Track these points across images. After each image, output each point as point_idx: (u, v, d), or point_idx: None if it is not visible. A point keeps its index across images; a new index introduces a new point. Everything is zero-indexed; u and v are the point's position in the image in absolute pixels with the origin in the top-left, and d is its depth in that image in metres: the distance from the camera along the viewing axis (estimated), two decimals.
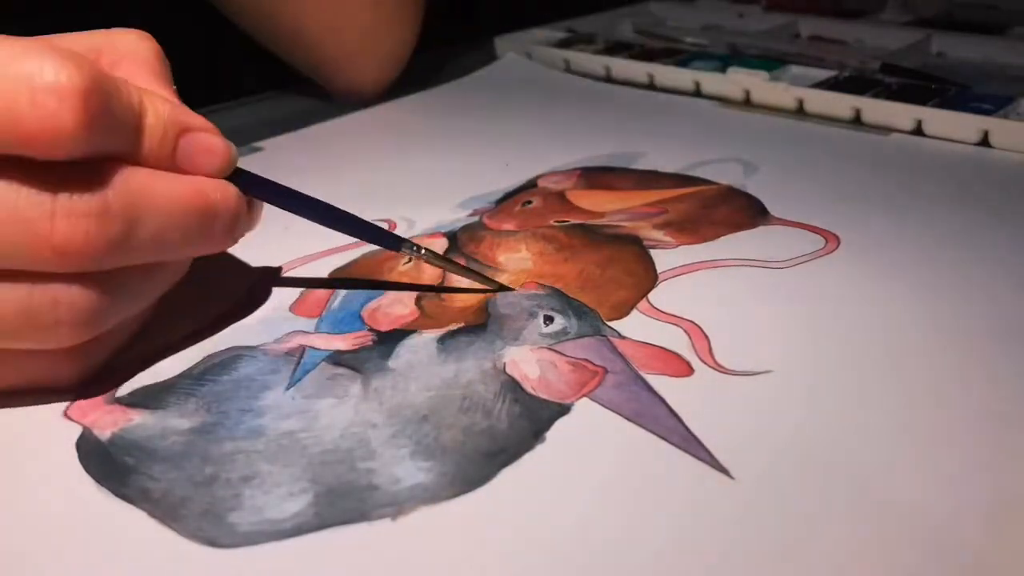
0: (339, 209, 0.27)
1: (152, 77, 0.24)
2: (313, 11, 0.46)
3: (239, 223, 0.24)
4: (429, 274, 0.30)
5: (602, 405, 0.23)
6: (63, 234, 0.20)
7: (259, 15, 0.47)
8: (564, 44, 0.55)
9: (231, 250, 0.26)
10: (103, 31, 0.25)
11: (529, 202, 0.35)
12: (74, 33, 0.24)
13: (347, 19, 0.47)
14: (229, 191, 0.24)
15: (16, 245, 0.20)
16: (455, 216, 0.34)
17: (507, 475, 0.21)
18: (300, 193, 0.26)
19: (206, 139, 0.24)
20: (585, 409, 0.23)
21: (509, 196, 0.36)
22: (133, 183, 0.22)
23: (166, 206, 0.22)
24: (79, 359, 0.23)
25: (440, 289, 0.29)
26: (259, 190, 0.25)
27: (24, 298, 0.21)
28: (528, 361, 0.25)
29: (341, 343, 0.26)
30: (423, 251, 0.26)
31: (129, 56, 0.25)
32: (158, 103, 0.23)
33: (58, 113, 0.19)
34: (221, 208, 0.24)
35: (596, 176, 0.38)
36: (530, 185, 0.37)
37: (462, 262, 0.29)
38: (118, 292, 0.22)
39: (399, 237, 0.27)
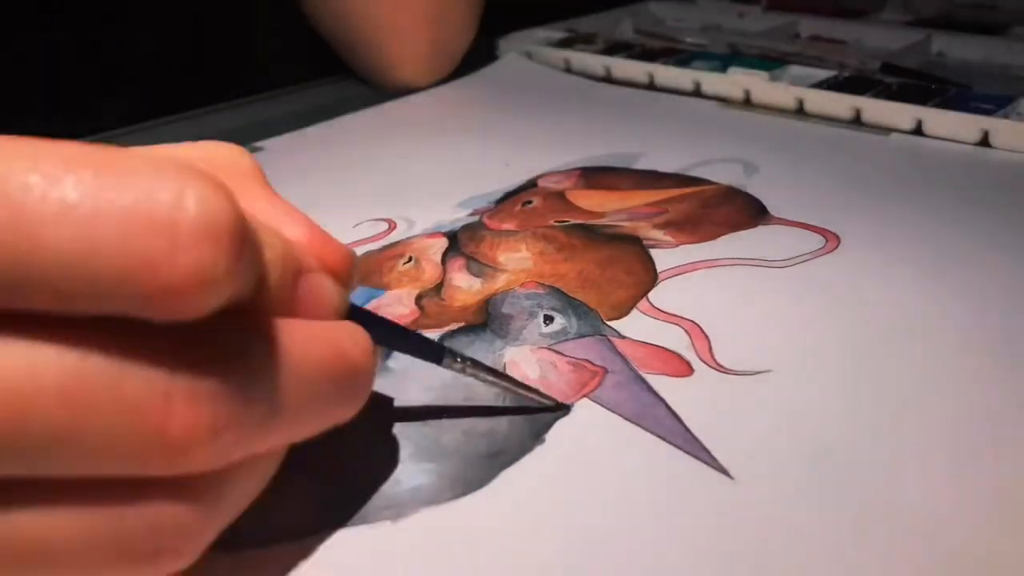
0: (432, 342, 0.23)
1: (261, 195, 0.19)
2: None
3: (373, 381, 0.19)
4: (429, 274, 0.30)
5: (602, 405, 0.23)
6: (182, 424, 0.14)
7: None
8: (564, 44, 0.55)
9: None
10: (193, 143, 0.20)
11: (529, 202, 0.35)
12: (161, 146, 0.19)
13: (414, 10, 0.48)
14: (363, 339, 0.18)
15: (113, 441, 0.14)
16: (455, 216, 0.34)
17: (507, 476, 0.21)
18: (408, 330, 0.23)
19: (320, 279, 0.18)
20: (585, 409, 0.23)
21: (509, 196, 0.36)
22: (271, 344, 0.16)
23: (308, 372, 0.17)
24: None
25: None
26: (374, 329, 0.19)
27: (114, 522, 0.15)
28: (528, 361, 0.25)
29: None
30: (467, 363, 0.22)
31: (230, 171, 0.18)
32: (270, 233, 0.17)
33: (213, 259, 0.14)
34: (360, 364, 0.18)
35: (596, 176, 0.38)
36: (530, 185, 0.37)
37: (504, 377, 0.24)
38: (231, 494, 0.16)
39: (443, 348, 0.22)
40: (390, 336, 0.21)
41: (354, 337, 0.18)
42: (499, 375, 0.23)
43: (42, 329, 0.14)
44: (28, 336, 0.14)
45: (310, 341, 0.17)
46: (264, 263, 0.16)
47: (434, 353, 0.21)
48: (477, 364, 0.22)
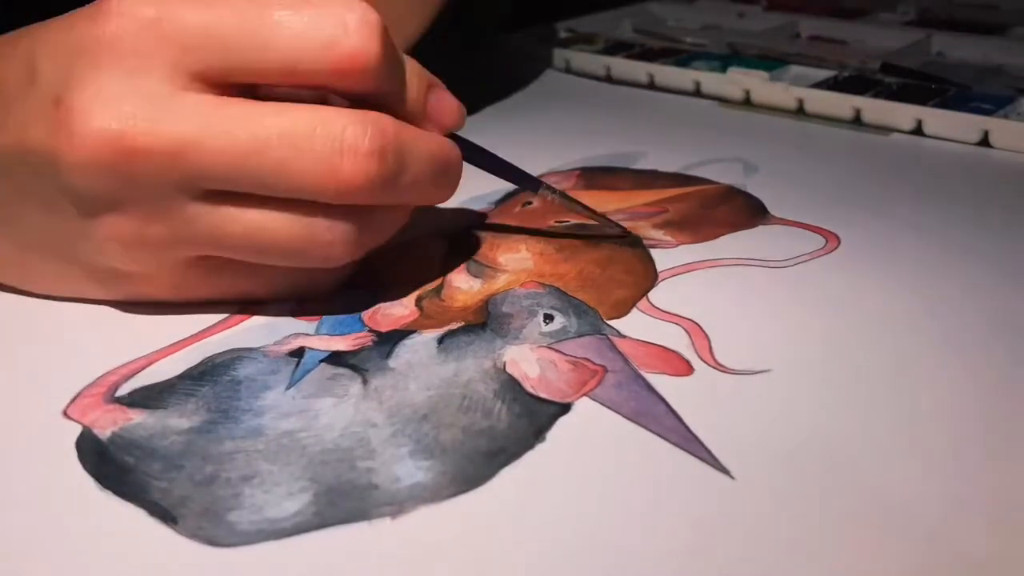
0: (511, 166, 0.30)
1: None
2: None
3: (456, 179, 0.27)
4: (428, 276, 0.30)
5: (602, 404, 0.23)
6: (349, 171, 0.23)
7: None
8: (564, 44, 0.55)
9: None
10: None
11: (529, 202, 0.35)
12: None
13: None
14: (457, 151, 0.27)
15: (307, 178, 0.23)
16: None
17: (507, 474, 0.21)
18: (491, 154, 0.30)
19: (448, 99, 0.27)
20: (585, 408, 0.23)
21: (509, 196, 0.36)
22: (403, 133, 0.24)
23: (425, 156, 0.25)
24: (335, 275, 0.27)
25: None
26: (465, 151, 0.28)
27: (307, 225, 0.24)
28: (528, 360, 0.25)
29: (341, 344, 0.26)
30: (556, 193, 0.31)
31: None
32: (412, 63, 0.26)
33: (368, 42, 0.23)
34: (455, 166, 0.27)
35: (596, 176, 0.38)
36: None
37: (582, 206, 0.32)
38: (375, 225, 0.25)
39: (539, 180, 0.31)
40: (492, 163, 0.30)
41: (452, 149, 0.27)
42: (581, 204, 0.31)
43: (269, 106, 0.23)
44: (257, 105, 0.23)
45: (427, 136, 0.25)
46: (404, 77, 0.25)
47: (532, 184, 0.31)
48: (564, 195, 0.31)
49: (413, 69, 0.26)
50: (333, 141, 0.23)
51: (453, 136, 0.27)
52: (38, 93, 0.23)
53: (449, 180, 0.27)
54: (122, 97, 0.22)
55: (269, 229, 0.24)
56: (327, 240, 0.24)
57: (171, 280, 0.26)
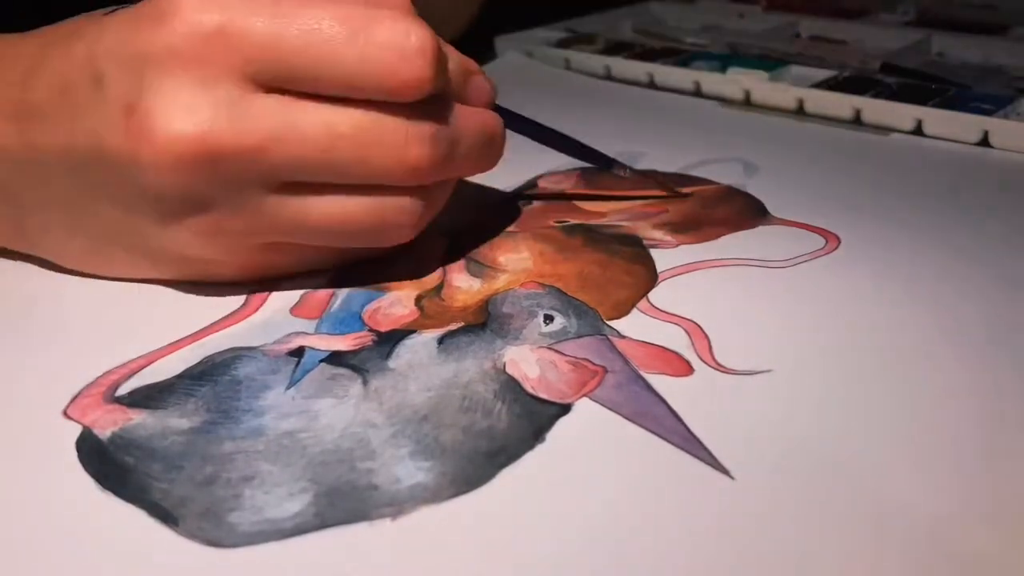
0: (567, 137, 0.35)
1: None
2: None
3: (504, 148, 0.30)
4: (428, 277, 0.30)
5: (602, 405, 0.23)
6: (415, 156, 0.25)
7: None
8: (564, 44, 0.55)
9: None
10: None
11: (530, 202, 0.35)
12: None
13: None
14: (499, 121, 0.30)
15: (379, 165, 0.25)
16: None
17: (507, 475, 0.21)
18: (537, 123, 0.34)
19: (482, 80, 0.30)
20: (585, 409, 0.23)
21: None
22: (453, 116, 0.27)
23: (473, 133, 0.28)
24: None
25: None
26: (509, 121, 0.31)
27: (379, 205, 0.26)
28: (528, 361, 0.25)
29: (341, 343, 0.26)
30: (627, 170, 0.35)
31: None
32: (452, 51, 0.28)
33: (423, 68, 0.24)
34: (498, 135, 0.30)
35: (596, 176, 0.38)
36: (530, 185, 0.37)
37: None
38: (436, 198, 0.28)
39: (611, 158, 0.35)
40: (529, 128, 0.34)
41: (494, 116, 0.30)
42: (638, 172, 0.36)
43: (334, 103, 0.25)
44: (325, 104, 0.25)
45: (472, 113, 0.28)
46: (449, 69, 0.27)
47: (572, 148, 0.35)
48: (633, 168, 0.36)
49: (455, 59, 0.28)
50: (398, 132, 0.25)
51: (495, 108, 0.31)
52: (108, 99, 0.24)
53: (494, 150, 0.30)
54: (196, 102, 0.24)
55: (345, 213, 0.26)
56: (397, 219, 0.27)
57: (240, 262, 0.28)
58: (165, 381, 0.24)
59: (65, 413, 0.23)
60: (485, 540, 0.19)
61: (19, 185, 0.27)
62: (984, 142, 0.40)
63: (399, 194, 0.26)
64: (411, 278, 0.29)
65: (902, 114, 0.41)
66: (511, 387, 0.24)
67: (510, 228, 0.33)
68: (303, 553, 0.19)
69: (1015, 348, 0.25)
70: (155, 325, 0.27)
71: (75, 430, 0.22)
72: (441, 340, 0.26)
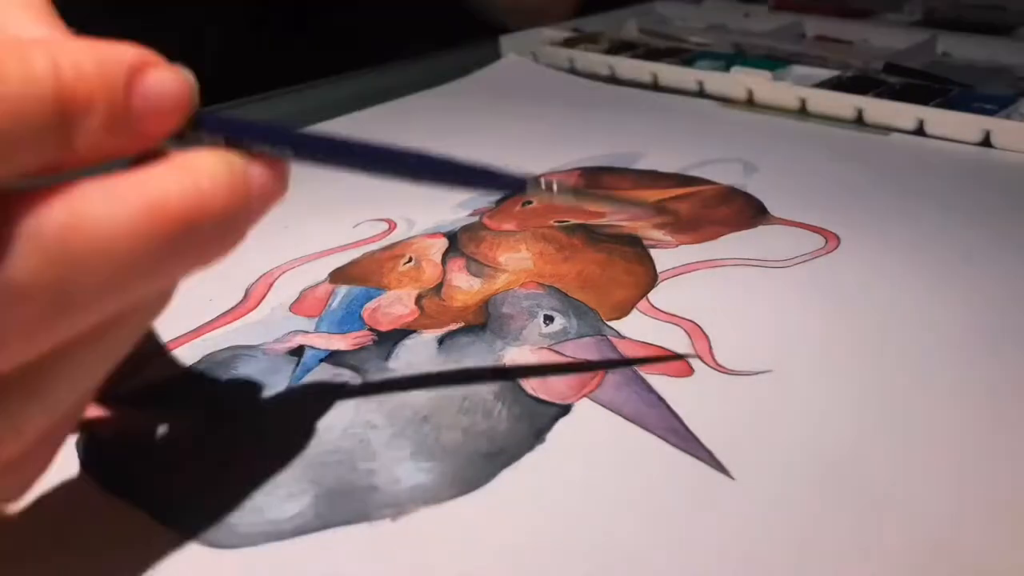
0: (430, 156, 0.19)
1: (38, 15, 0.16)
2: None
3: (240, 216, 0.16)
4: (429, 275, 0.30)
5: (602, 405, 0.23)
6: None
7: None
8: (569, 44, 0.55)
9: None
10: None
11: (529, 202, 0.35)
12: None
13: None
14: (209, 172, 0.15)
15: None
16: (455, 216, 0.34)
17: (507, 476, 0.21)
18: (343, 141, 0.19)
19: (160, 76, 0.15)
20: (585, 410, 0.23)
21: (509, 196, 0.36)
22: (47, 227, 0.13)
23: (111, 243, 0.14)
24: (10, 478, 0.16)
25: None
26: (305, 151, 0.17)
27: None
28: (528, 361, 0.25)
29: (341, 343, 0.26)
30: (554, 186, 0.19)
31: None
32: (76, 52, 0.14)
33: None
34: (209, 209, 0.15)
35: (596, 176, 0.38)
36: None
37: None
38: (55, 379, 0.15)
39: (523, 178, 0.19)
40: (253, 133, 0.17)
41: (183, 175, 0.15)
42: (576, 191, 0.22)
43: None
44: None
45: (115, 200, 0.14)
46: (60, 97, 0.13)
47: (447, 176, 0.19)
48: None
49: (77, 67, 0.14)
50: None
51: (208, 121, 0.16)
52: None
53: (201, 237, 0.15)
54: None
55: None
56: None
57: None
58: (165, 381, 0.24)
59: None
60: (485, 540, 0.19)
61: None
62: (986, 142, 0.39)
63: None
64: (411, 277, 0.29)
65: (904, 114, 0.41)
66: (511, 388, 0.24)
67: (510, 228, 0.33)
68: (303, 553, 0.19)
69: (1016, 347, 0.25)
70: (155, 324, 0.27)
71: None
72: (441, 340, 0.26)
